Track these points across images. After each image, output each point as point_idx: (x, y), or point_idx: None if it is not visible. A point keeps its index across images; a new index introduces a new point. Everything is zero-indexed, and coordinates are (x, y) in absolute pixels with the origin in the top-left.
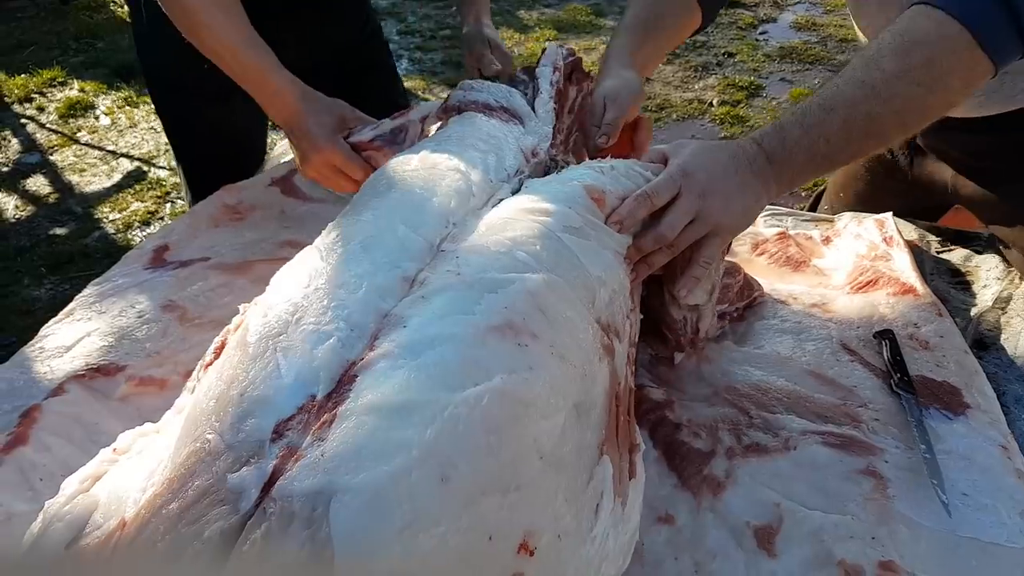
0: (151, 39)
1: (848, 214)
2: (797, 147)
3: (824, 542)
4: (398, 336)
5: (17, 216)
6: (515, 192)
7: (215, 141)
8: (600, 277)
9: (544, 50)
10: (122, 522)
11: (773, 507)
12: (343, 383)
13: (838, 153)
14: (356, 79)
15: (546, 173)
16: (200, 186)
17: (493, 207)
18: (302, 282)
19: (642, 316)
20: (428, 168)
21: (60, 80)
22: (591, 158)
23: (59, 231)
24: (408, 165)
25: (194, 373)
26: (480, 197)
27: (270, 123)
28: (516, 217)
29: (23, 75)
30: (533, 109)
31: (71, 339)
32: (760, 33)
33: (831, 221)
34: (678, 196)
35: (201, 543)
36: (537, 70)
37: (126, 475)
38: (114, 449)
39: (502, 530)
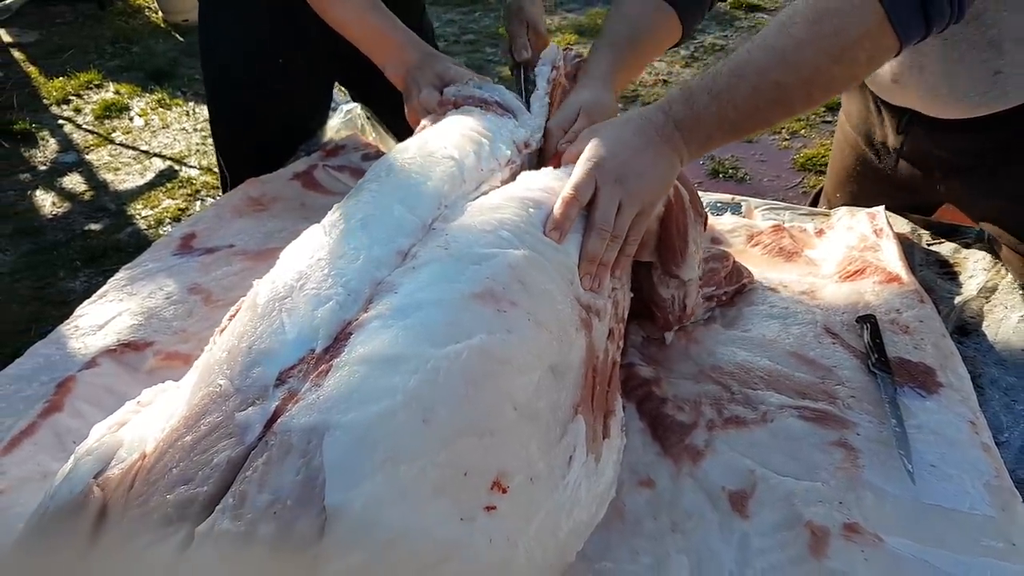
0: (217, 30)
1: (843, 208)
2: (706, 114)
3: (794, 505)
4: (390, 300)
5: (54, 212)
6: (504, 181)
7: (266, 136)
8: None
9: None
10: (143, 454)
11: (748, 474)
12: (339, 339)
13: (746, 120)
14: None
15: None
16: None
17: (483, 193)
18: (307, 254)
19: (632, 295)
20: (424, 155)
21: (96, 83)
22: (545, 157)
23: (94, 227)
24: (406, 153)
25: (212, 338)
26: (471, 183)
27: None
28: (505, 204)
29: (61, 78)
30: (528, 104)
31: (104, 318)
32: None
33: (827, 215)
34: (597, 189)
35: (211, 469)
36: (536, 68)
37: (148, 421)
38: (138, 402)
39: (477, 468)
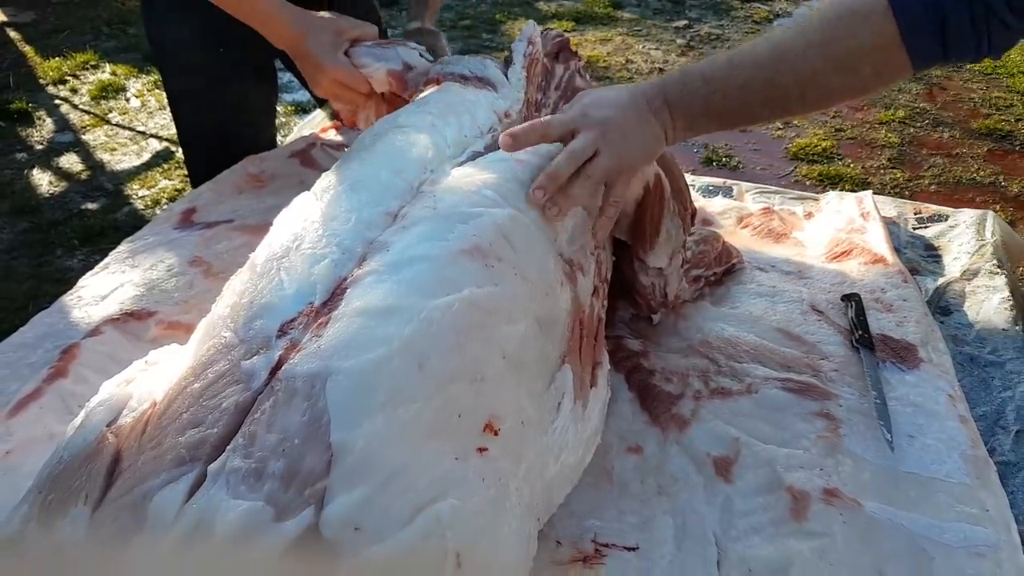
0: (163, 18)
1: (832, 192)
2: (694, 96)
3: (776, 471)
4: (382, 257)
5: (51, 191)
6: (488, 147)
7: (223, 122)
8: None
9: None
10: (153, 403)
11: (732, 441)
12: (336, 294)
13: (733, 113)
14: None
15: None
16: (205, 169)
17: (468, 159)
18: (300, 217)
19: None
20: (408, 125)
21: (93, 63)
22: None
23: (91, 206)
24: (390, 123)
25: (212, 307)
26: (455, 149)
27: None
28: (491, 166)
29: (58, 58)
30: (507, 77)
31: (107, 289)
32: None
33: (816, 199)
34: (576, 131)
35: (220, 412)
36: (513, 44)
37: (155, 377)
38: (146, 361)
39: (470, 411)
